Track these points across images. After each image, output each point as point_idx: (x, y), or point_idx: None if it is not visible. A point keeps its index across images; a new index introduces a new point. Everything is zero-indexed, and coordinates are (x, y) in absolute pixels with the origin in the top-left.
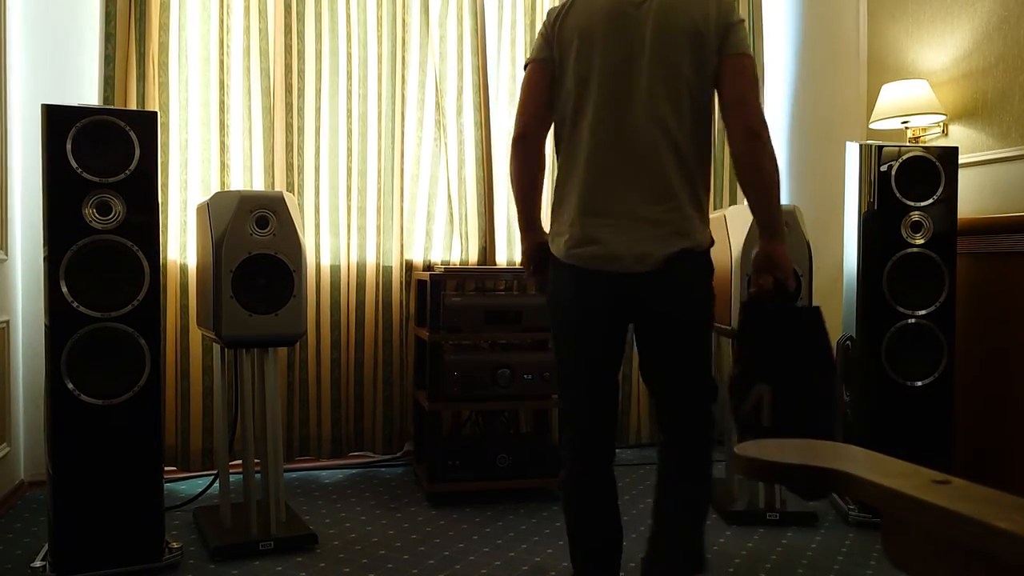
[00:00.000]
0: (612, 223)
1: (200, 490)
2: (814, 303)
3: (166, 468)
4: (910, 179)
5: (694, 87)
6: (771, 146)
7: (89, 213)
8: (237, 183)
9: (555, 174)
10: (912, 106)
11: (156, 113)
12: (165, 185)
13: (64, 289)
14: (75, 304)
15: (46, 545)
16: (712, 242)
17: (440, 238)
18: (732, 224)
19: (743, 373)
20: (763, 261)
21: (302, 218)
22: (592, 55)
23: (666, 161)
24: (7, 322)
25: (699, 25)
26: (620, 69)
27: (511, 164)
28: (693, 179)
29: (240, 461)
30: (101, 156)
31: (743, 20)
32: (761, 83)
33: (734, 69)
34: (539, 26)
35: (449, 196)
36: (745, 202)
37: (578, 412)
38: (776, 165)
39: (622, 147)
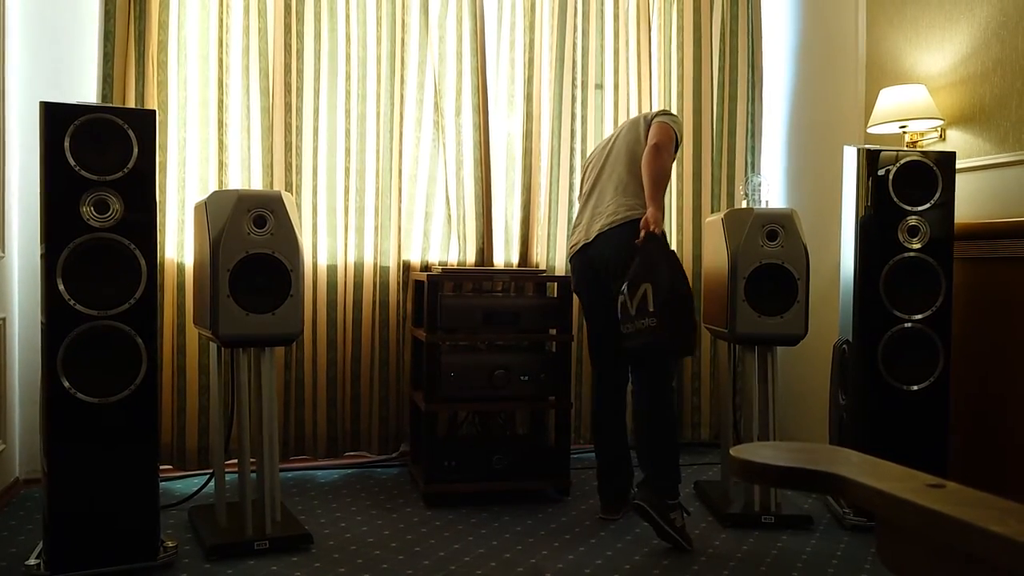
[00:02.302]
0: (581, 223)
1: (196, 489)
2: (810, 305)
3: (162, 467)
4: (907, 183)
5: (632, 150)
6: (665, 157)
7: (87, 211)
8: (235, 182)
9: (552, 194)
10: (910, 111)
11: (155, 111)
12: (163, 184)
13: (61, 287)
14: (72, 302)
15: (41, 543)
16: (634, 213)
17: (438, 239)
18: (729, 227)
19: (633, 279)
20: (644, 220)
21: (300, 218)
22: (593, 158)
23: (611, 187)
24: (4, 319)
25: (638, 121)
26: (603, 157)
27: None
28: (625, 192)
29: (236, 460)
30: (99, 154)
31: (672, 113)
32: (760, 87)
33: (654, 126)
34: (538, 27)
35: (447, 197)
36: (743, 203)
37: (590, 333)
38: (664, 167)
39: (594, 193)
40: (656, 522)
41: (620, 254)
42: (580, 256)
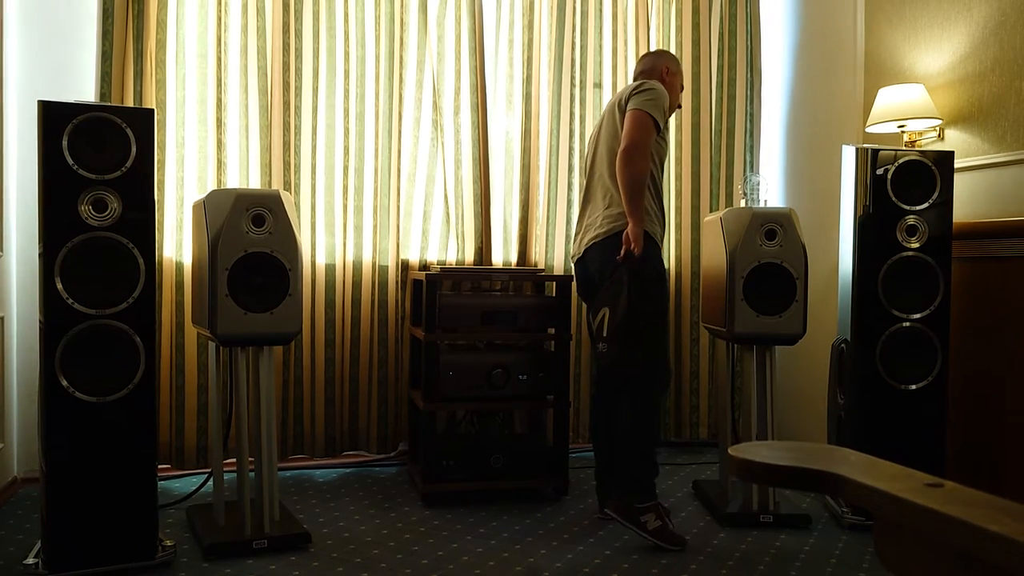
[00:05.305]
0: (579, 231)
1: (194, 488)
2: (808, 304)
3: (160, 466)
4: (906, 183)
5: (612, 149)
6: (637, 162)
7: (85, 210)
8: (233, 181)
9: (550, 194)
10: (908, 110)
11: (153, 110)
12: (161, 182)
13: (59, 286)
14: (70, 301)
15: (39, 542)
16: (618, 225)
17: (436, 238)
18: (728, 227)
19: (596, 302)
20: (624, 235)
21: (298, 217)
22: (588, 154)
23: (599, 195)
24: (2, 318)
25: (614, 106)
26: (592, 152)
27: None
28: (611, 203)
29: (234, 459)
30: (97, 153)
31: (647, 89)
32: (758, 86)
33: (627, 117)
34: (536, 26)
35: (446, 196)
36: (741, 203)
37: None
38: (637, 175)
39: (588, 198)
40: (627, 527)
41: (604, 270)
42: (577, 267)
